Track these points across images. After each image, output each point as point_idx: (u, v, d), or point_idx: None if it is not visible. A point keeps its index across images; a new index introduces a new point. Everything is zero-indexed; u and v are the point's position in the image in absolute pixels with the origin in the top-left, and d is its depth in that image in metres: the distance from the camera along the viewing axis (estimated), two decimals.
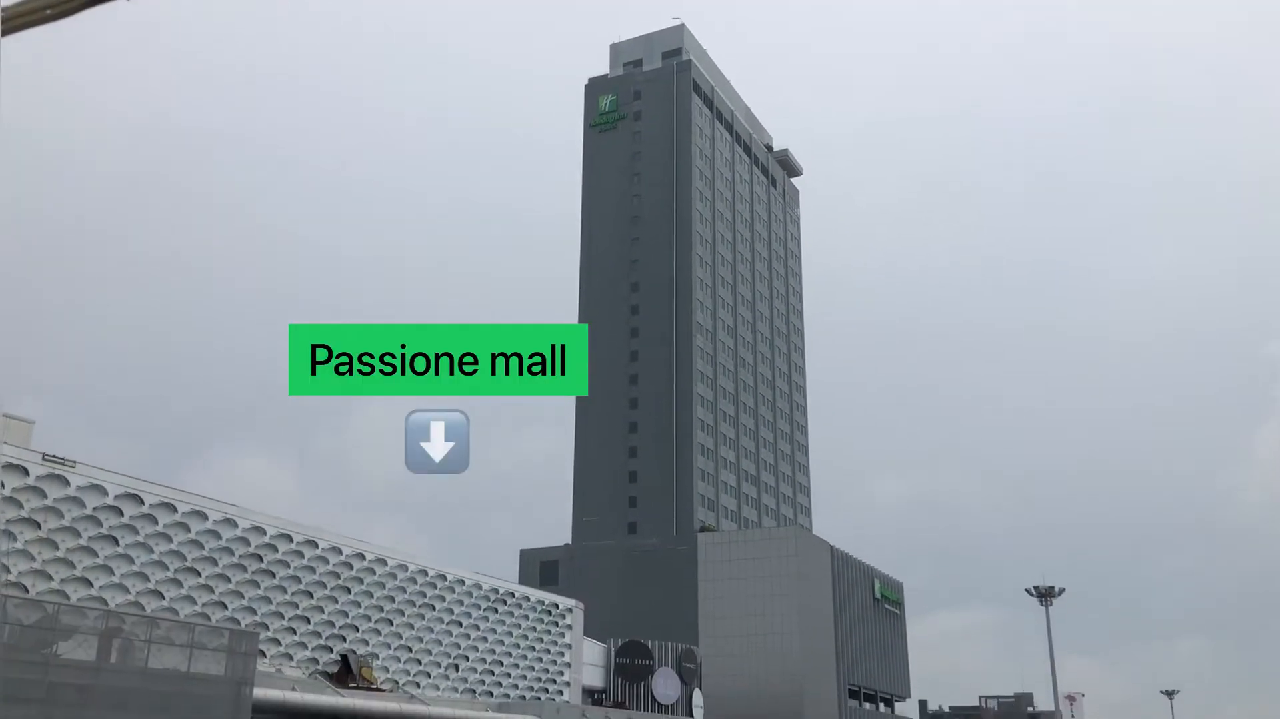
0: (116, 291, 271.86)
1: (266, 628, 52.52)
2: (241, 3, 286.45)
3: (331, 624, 57.29)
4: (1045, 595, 63.49)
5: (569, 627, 76.88)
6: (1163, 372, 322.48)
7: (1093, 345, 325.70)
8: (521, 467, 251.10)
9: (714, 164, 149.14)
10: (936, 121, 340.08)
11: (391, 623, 61.37)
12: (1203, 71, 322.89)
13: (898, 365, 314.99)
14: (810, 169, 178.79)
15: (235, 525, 51.98)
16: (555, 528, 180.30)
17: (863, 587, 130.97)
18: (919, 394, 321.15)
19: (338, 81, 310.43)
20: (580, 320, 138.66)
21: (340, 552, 57.90)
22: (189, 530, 49.32)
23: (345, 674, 56.32)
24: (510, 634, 70.79)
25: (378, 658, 59.80)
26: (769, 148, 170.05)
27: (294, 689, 48.87)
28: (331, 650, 57.06)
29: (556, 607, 76.51)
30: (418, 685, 61.75)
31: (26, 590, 41.22)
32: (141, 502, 47.34)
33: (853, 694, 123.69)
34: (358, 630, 58.98)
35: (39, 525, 42.93)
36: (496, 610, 70.04)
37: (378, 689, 57.08)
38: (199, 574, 49.73)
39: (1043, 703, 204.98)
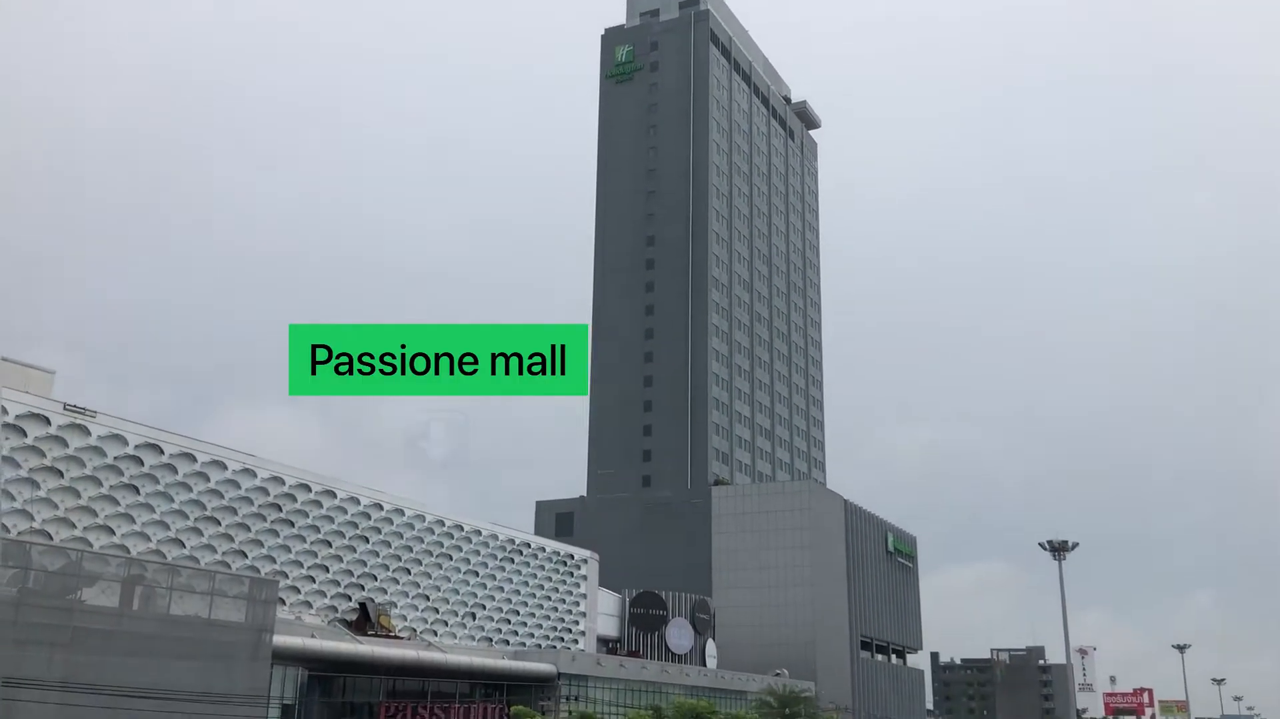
0: (143, 251, 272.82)
1: (286, 576, 53.22)
2: None
3: (350, 573, 57.99)
4: (1059, 550, 63.53)
5: (584, 577, 77.64)
6: (1186, 325, 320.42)
7: (1121, 292, 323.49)
8: (538, 421, 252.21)
9: (731, 116, 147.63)
10: (959, 71, 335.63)
11: (409, 572, 62.08)
12: None
13: (915, 320, 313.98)
14: (829, 121, 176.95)
15: (254, 475, 52.50)
16: (571, 481, 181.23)
17: (876, 540, 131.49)
18: (935, 349, 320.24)
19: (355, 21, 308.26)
20: (596, 275, 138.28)
21: (358, 501, 58.45)
22: (208, 480, 49.86)
23: (364, 622, 57.09)
24: (526, 584, 71.54)
25: (395, 606, 60.58)
26: (787, 99, 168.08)
27: (313, 636, 49.60)
28: (350, 598, 57.82)
29: (572, 557, 77.22)
30: (435, 633, 62.58)
31: (50, 537, 41.85)
32: (161, 451, 47.82)
33: (865, 646, 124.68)
34: (376, 579, 59.71)
35: (61, 474, 43.46)
36: (513, 560, 70.74)
37: (396, 637, 57.87)
38: (219, 523, 50.34)
39: (1054, 656, 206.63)
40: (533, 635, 70.95)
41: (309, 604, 55.15)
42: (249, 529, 51.97)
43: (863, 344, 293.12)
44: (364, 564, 58.86)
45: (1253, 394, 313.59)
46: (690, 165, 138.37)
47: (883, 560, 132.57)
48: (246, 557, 51.45)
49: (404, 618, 60.99)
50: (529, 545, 73.62)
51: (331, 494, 57.04)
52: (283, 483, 54.10)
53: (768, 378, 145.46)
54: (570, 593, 75.92)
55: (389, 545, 60.63)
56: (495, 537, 69.58)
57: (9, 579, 34.51)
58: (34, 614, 34.36)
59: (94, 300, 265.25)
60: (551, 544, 77.84)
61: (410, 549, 62.19)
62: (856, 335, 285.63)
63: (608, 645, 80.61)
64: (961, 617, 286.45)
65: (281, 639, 44.31)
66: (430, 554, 63.72)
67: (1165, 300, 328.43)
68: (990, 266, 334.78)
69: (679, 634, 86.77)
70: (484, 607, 67.50)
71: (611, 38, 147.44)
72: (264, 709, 42.60)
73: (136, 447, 46.68)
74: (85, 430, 44.64)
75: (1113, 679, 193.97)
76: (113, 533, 45.14)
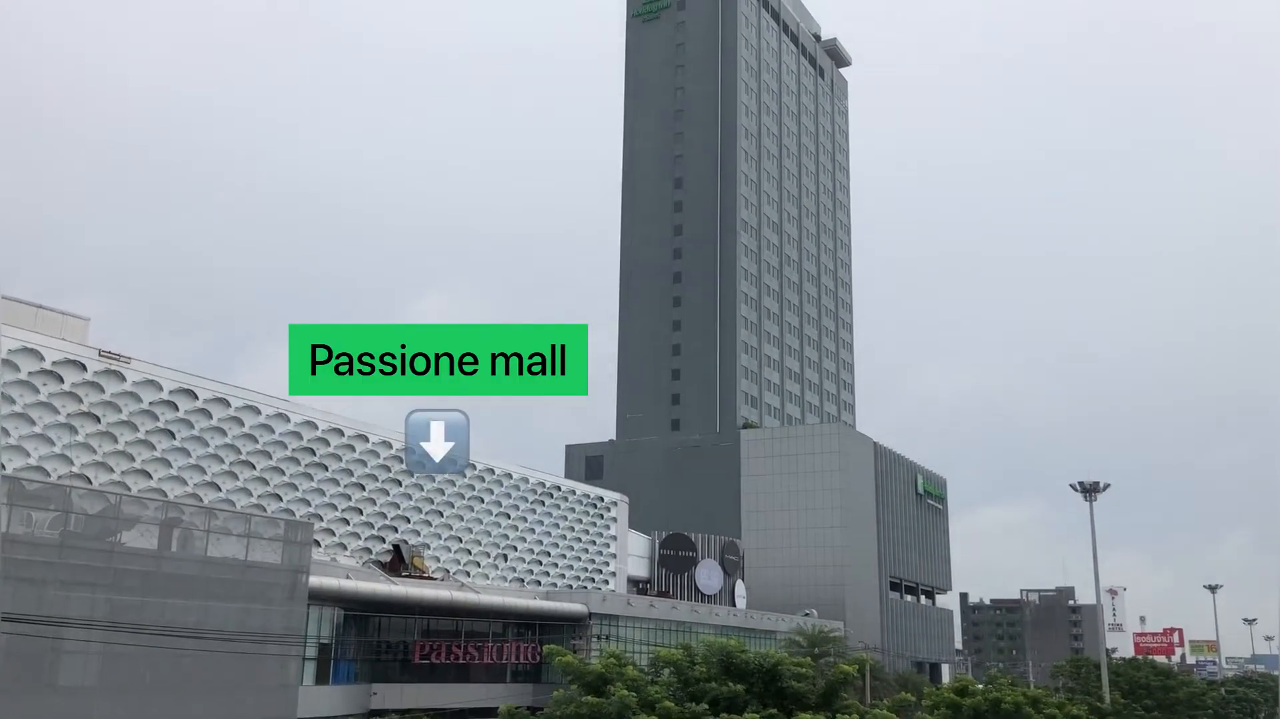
0: (178, 200, 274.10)
1: (320, 519, 53.99)
2: None
3: (383, 515, 58.76)
4: (1090, 491, 63.15)
5: (614, 519, 78.32)
6: (1223, 260, 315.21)
7: (1156, 227, 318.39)
8: None
9: (760, 55, 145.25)
10: (997, 4, 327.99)
11: (442, 514, 62.84)
12: None
13: (947, 261, 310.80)
14: (860, 59, 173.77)
15: (287, 420, 53.04)
16: (600, 425, 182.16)
17: (906, 482, 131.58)
18: (968, 290, 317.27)
19: None
20: (623, 218, 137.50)
21: (391, 445, 59.00)
22: (243, 425, 50.43)
23: (398, 563, 57.94)
24: (557, 526, 72.29)
25: (429, 548, 61.42)
26: (817, 37, 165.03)
27: (348, 577, 50.42)
28: (384, 540, 58.66)
29: (602, 500, 77.86)
30: (468, 574, 63.46)
31: (89, 482, 42.59)
32: (196, 397, 48.35)
33: (894, 587, 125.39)
34: (409, 522, 60.49)
35: (98, 419, 44.10)
36: (544, 503, 71.41)
37: (429, 578, 58.72)
38: (254, 467, 51.01)
39: (1084, 597, 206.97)
40: (564, 577, 71.85)
41: (343, 546, 56.00)
42: (283, 473, 52.65)
43: (895, 286, 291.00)
44: (397, 507, 59.59)
45: None
46: (718, 105, 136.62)
47: (912, 502, 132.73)
48: (281, 500, 52.19)
49: (437, 559, 61.86)
50: (559, 488, 74.25)
51: (364, 438, 57.60)
52: (316, 427, 54.65)
53: (797, 321, 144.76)
54: (600, 535, 76.67)
55: (421, 489, 61.30)
56: (526, 480, 70.20)
57: (51, 522, 35.23)
58: (76, 556, 35.11)
59: (132, 247, 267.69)
60: (581, 487, 78.47)
61: (442, 492, 62.87)
62: (888, 277, 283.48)
63: (638, 586, 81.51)
64: (991, 557, 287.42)
65: (318, 580, 45.08)
66: (462, 497, 64.42)
67: (1206, 235, 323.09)
68: (1025, 206, 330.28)
69: (708, 575, 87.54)
70: (515, 548, 68.32)
71: None
72: (301, 648, 43.52)
73: (171, 392, 47.21)
74: (120, 376, 45.17)
75: (1143, 619, 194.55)
76: (150, 477, 45.86)
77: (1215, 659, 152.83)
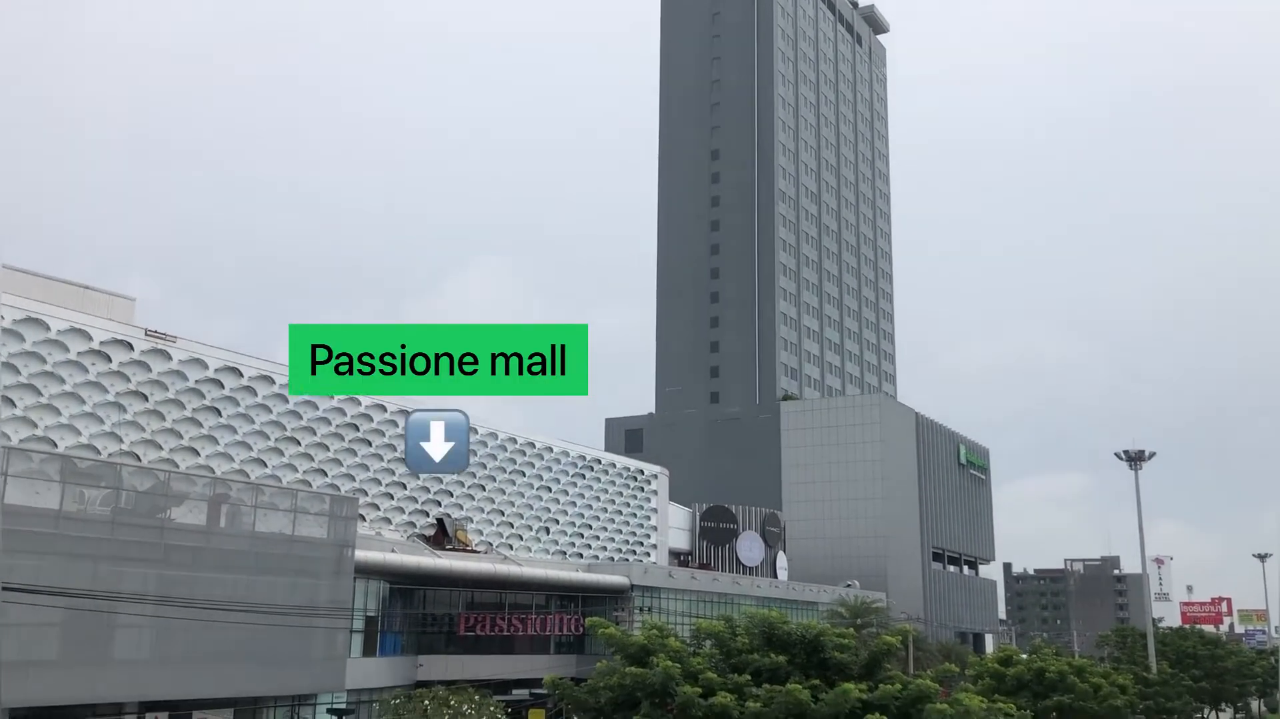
0: (218, 182, 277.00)
1: (365, 494, 54.64)
2: None
3: (426, 490, 59.36)
4: (1135, 460, 62.46)
5: (654, 492, 78.56)
6: (1276, 221, 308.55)
7: (1200, 196, 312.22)
8: (605, 338, 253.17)
9: (796, 23, 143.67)
10: None
11: (484, 488, 63.37)
12: None
13: (988, 231, 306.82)
14: (899, 25, 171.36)
15: (331, 397, 53.56)
16: (639, 398, 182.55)
17: (948, 452, 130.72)
18: (1010, 259, 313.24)
19: None
20: (660, 191, 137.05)
21: None
22: (287, 402, 51.00)
23: (441, 537, 58.57)
24: (598, 499, 72.66)
25: (471, 521, 62.00)
26: (854, 3, 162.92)
27: (393, 551, 51.00)
28: (428, 515, 59.29)
29: (642, 473, 78.10)
30: (510, 548, 64.03)
31: (139, 459, 43.36)
32: (241, 374, 48.97)
33: (936, 557, 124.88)
34: (452, 496, 61.07)
35: (146, 398, 44.82)
36: (584, 476, 71.77)
37: (472, 551, 59.32)
38: (299, 443, 51.65)
39: (1129, 566, 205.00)
40: (605, 549, 72.27)
41: (388, 520, 56.65)
42: (328, 449, 53.28)
43: (935, 255, 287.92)
44: (439, 482, 60.12)
45: None
46: (755, 76, 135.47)
47: (954, 472, 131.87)
48: (326, 475, 52.85)
49: (480, 533, 62.44)
50: (599, 462, 74.55)
51: (406, 414, 58.05)
52: (359, 403, 55.20)
53: (836, 291, 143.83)
54: (641, 508, 76.97)
55: None
56: (566, 453, 70.55)
57: (103, 499, 35.95)
58: (128, 533, 35.82)
59: (177, 227, 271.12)
60: (622, 460, 78.74)
61: (484, 466, 63.36)
62: (929, 245, 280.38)
63: (679, 559, 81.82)
64: (1035, 527, 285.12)
65: (363, 554, 45.64)
66: (504, 471, 64.90)
67: (1257, 195, 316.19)
68: (1067, 176, 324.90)
69: (749, 547, 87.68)
70: (557, 521, 68.79)
71: None
72: (348, 621, 44.17)
73: (216, 370, 47.85)
74: (166, 355, 45.83)
75: (1190, 589, 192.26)
76: (197, 454, 46.59)
77: (1265, 628, 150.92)
